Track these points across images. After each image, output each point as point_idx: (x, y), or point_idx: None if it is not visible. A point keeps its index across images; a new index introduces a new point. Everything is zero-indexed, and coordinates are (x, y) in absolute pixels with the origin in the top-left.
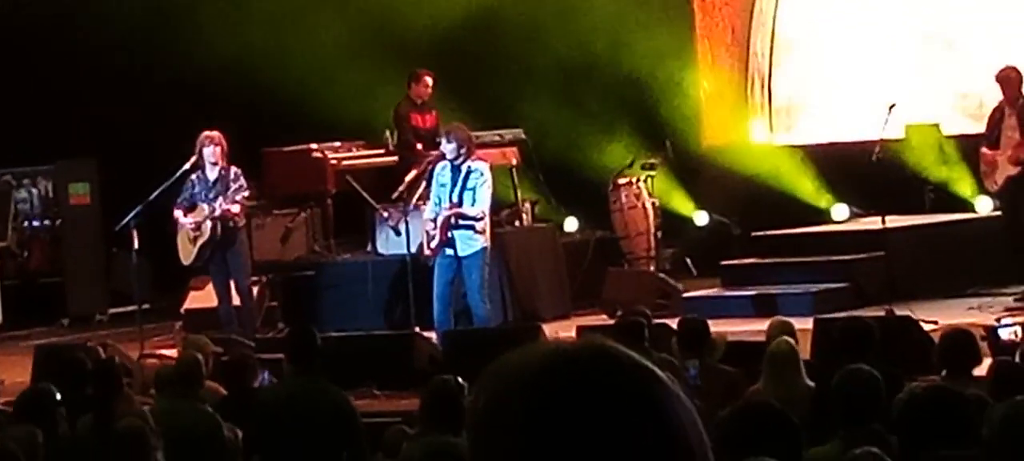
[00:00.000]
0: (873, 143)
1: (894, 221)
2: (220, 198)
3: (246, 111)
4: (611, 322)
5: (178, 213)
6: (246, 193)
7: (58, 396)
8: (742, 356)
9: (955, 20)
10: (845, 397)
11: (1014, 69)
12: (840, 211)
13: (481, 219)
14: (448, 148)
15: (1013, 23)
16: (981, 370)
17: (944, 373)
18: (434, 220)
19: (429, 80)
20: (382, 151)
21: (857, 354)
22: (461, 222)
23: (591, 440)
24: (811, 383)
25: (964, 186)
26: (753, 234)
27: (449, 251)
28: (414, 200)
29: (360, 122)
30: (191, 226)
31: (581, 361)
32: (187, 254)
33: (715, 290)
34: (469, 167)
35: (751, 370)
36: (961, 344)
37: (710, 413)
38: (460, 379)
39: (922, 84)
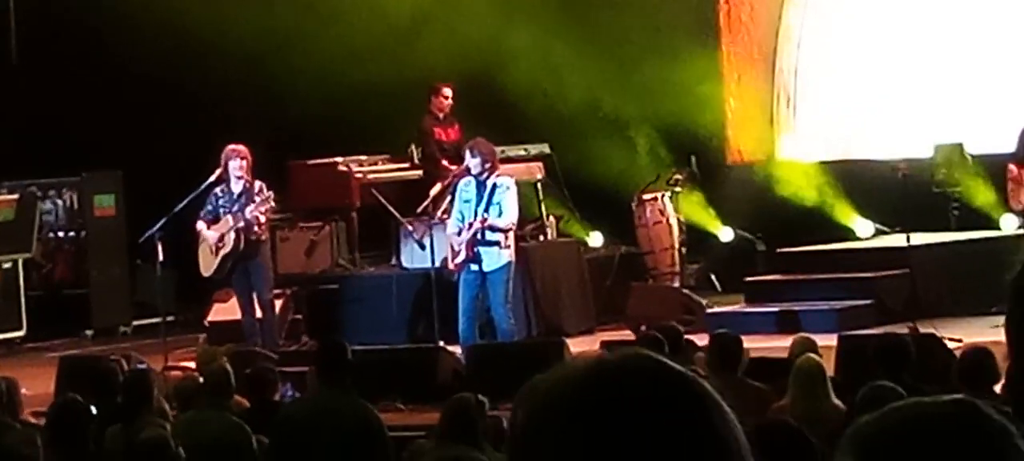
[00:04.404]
0: (899, 161)
1: (919, 238)
2: (245, 210)
3: (271, 124)
4: (633, 337)
5: (201, 225)
6: (272, 204)
7: (93, 410)
8: (765, 372)
9: (985, 38)
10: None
11: None
12: (865, 228)
13: (509, 230)
14: (473, 163)
15: None
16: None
17: (963, 391)
18: (458, 233)
19: (448, 92)
20: (407, 165)
21: (892, 370)
22: (487, 236)
23: (637, 456)
24: (837, 401)
25: (989, 204)
26: (778, 250)
27: (474, 266)
28: (439, 214)
29: (385, 135)
30: (215, 238)
31: (625, 374)
32: (208, 266)
33: (739, 306)
34: (494, 182)
35: (774, 386)
36: (980, 362)
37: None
38: (481, 396)
39: (950, 101)
